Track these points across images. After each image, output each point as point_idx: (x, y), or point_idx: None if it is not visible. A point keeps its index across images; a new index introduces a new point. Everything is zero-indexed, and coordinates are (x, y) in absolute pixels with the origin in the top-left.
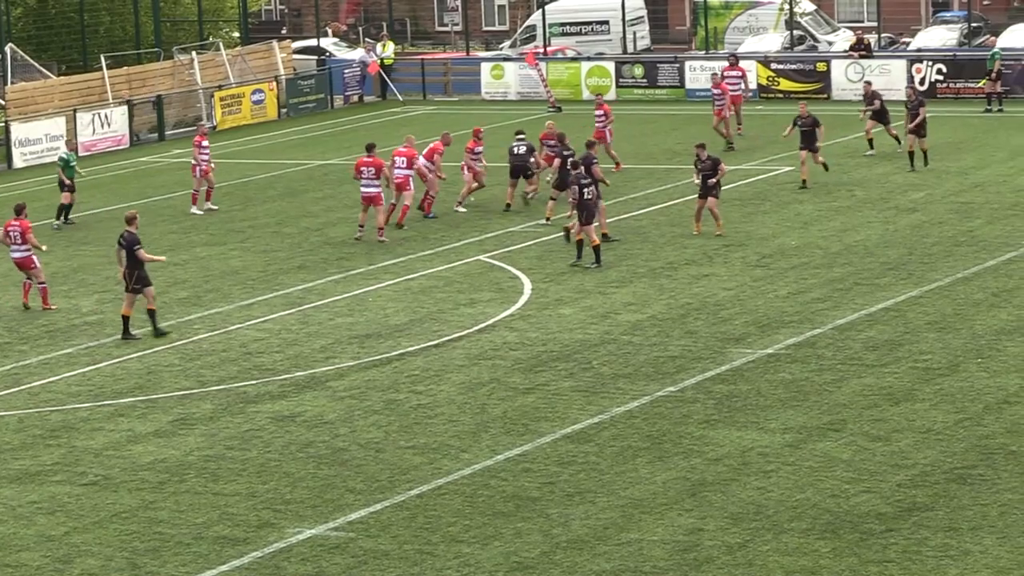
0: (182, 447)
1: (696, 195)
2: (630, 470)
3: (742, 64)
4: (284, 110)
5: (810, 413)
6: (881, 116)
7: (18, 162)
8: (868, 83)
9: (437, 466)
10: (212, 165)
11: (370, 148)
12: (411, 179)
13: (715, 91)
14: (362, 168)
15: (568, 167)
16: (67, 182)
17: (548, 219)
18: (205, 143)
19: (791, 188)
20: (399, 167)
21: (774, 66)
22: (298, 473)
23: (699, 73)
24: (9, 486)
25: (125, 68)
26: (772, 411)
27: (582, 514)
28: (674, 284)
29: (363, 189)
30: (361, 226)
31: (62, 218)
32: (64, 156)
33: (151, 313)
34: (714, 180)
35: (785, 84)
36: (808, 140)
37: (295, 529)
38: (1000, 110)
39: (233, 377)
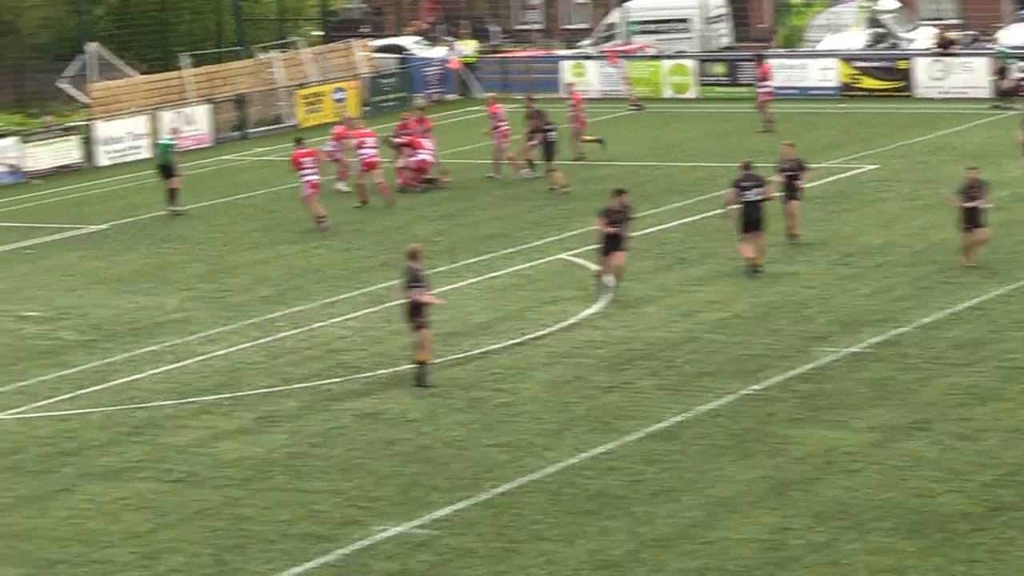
0: (267, 444)
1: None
2: (715, 469)
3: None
4: (366, 108)
5: (895, 412)
6: None
7: (102, 160)
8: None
9: (521, 464)
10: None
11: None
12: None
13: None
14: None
15: (549, 139)
16: (171, 167)
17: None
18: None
19: (874, 186)
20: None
21: (856, 64)
22: (383, 470)
23: (780, 71)
24: (96, 483)
25: (207, 67)
26: (857, 410)
27: (667, 512)
28: (757, 282)
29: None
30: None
31: (171, 203)
32: (164, 141)
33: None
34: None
35: (867, 82)
36: (791, 188)
37: (380, 526)
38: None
39: (317, 375)
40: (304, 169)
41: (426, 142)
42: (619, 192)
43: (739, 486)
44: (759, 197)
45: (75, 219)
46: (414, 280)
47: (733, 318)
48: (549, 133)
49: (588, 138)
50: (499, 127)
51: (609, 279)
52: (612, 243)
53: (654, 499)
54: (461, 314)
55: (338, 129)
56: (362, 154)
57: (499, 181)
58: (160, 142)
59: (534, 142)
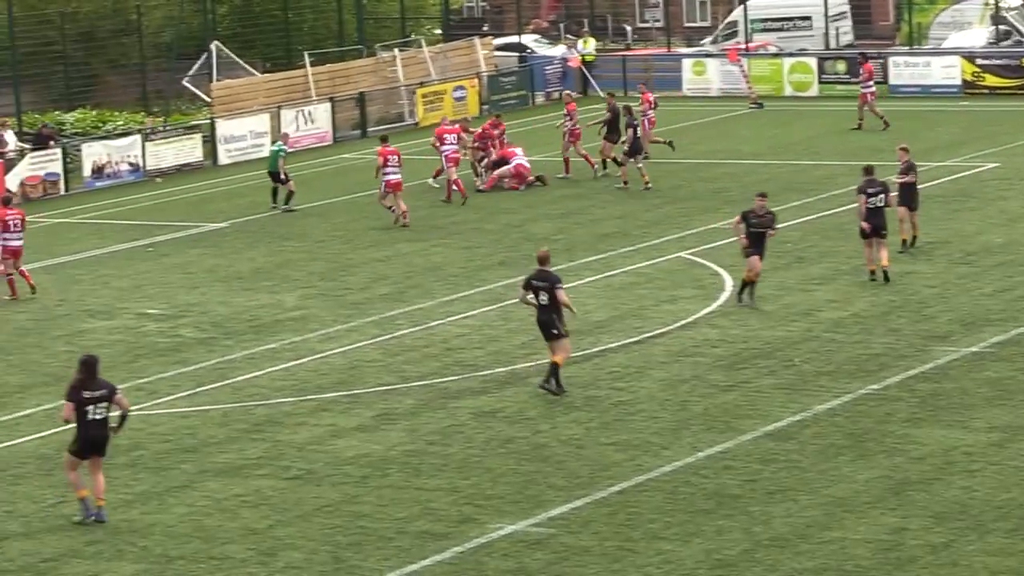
0: (384, 442)
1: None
2: (832, 468)
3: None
4: (485, 107)
5: (1016, 412)
6: None
7: (223, 159)
8: None
9: (638, 463)
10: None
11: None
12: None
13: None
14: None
15: (637, 135)
16: (281, 174)
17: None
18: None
19: (995, 184)
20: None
21: (979, 61)
22: (499, 469)
23: (903, 69)
24: (215, 479)
25: (328, 65)
26: (977, 410)
27: (784, 512)
28: (877, 282)
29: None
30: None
31: (285, 203)
32: (275, 148)
33: (552, 366)
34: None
35: (990, 80)
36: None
37: (496, 524)
38: None
39: (434, 373)
40: (387, 167)
41: (515, 148)
42: (761, 195)
43: (856, 486)
44: (882, 203)
45: (196, 217)
46: (557, 283)
47: (852, 317)
48: (636, 129)
49: (657, 139)
50: (572, 127)
51: (747, 299)
52: (753, 247)
53: (770, 498)
54: (579, 312)
55: (479, 133)
56: (443, 151)
57: (569, 179)
58: (271, 148)
59: (620, 139)
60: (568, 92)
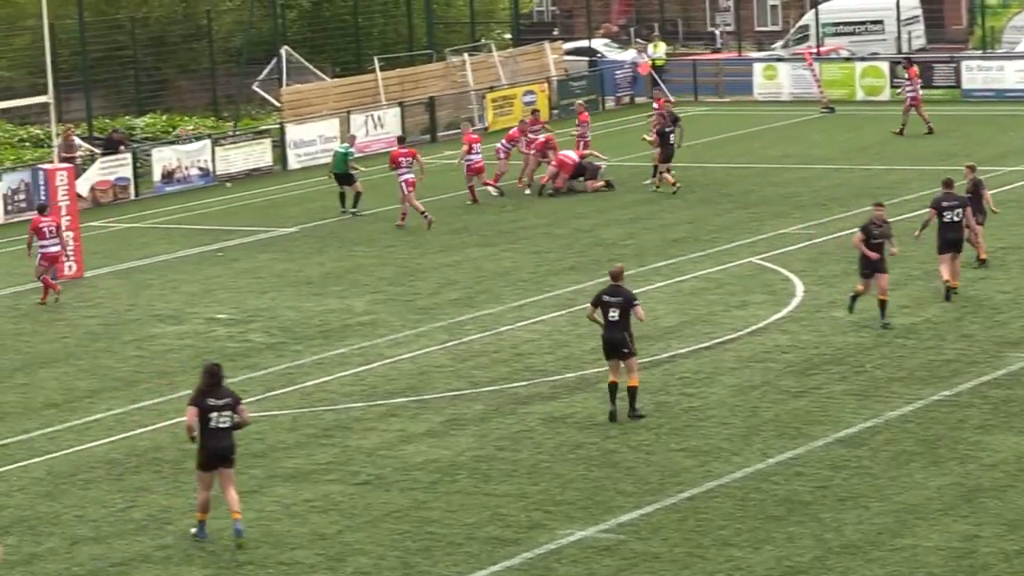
0: (453, 447)
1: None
2: (904, 475)
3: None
4: (555, 111)
5: None
6: None
7: (293, 164)
8: None
9: (708, 469)
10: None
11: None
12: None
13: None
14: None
15: (671, 142)
16: (348, 176)
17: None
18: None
19: None
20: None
21: None
22: (569, 475)
23: (976, 73)
24: (283, 484)
25: (398, 70)
26: None
27: (855, 519)
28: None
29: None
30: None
31: (353, 205)
32: (341, 149)
33: (631, 392)
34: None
35: None
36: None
37: (566, 530)
38: None
39: (504, 378)
40: (401, 168)
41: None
42: (878, 205)
43: (928, 493)
44: (959, 218)
45: (266, 222)
46: (632, 300)
47: (924, 323)
48: (669, 136)
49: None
50: (582, 136)
51: (882, 320)
52: (874, 263)
53: (842, 505)
54: (649, 317)
55: (513, 132)
56: (469, 159)
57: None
58: (337, 150)
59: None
60: (581, 103)
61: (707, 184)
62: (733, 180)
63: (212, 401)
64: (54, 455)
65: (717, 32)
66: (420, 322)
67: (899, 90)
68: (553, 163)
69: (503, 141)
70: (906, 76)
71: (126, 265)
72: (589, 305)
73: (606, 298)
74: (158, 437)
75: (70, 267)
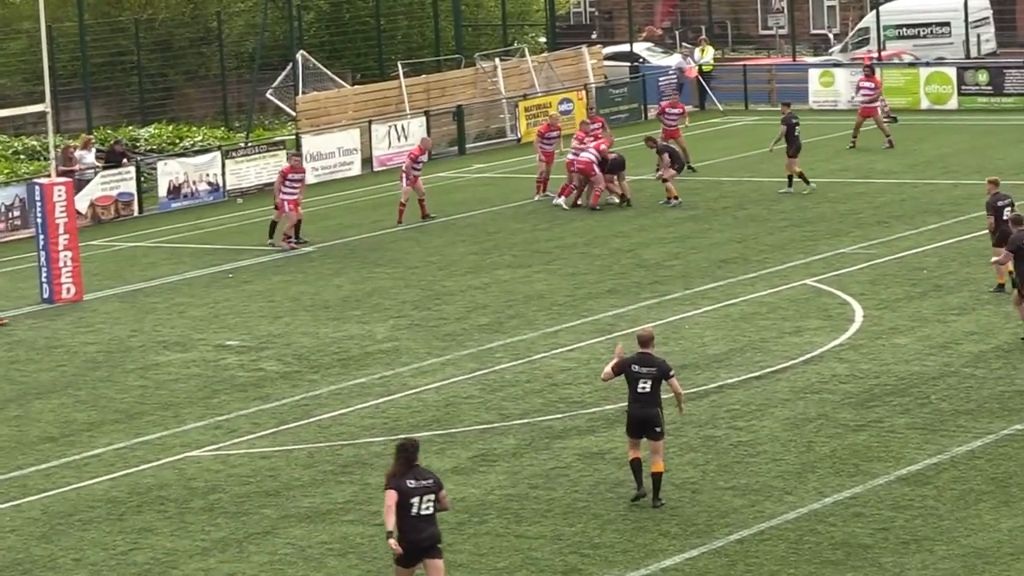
0: (483, 485)
1: None
2: (972, 516)
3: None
4: None
5: None
6: None
7: (310, 178)
8: None
9: (759, 509)
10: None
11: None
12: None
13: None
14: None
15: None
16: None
17: None
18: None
19: None
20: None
21: None
22: (608, 515)
23: None
24: (299, 525)
25: (423, 76)
26: None
27: (919, 563)
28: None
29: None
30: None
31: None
32: None
33: (655, 479)
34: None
35: None
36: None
37: (604, 575)
38: None
39: (537, 410)
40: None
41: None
42: (1018, 220)
43: (999, 535)
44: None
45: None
46: (668, 372)
47: (994, 351)
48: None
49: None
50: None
51: None
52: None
53: (904, 549)
54: (695, 345)
55: (579, 134)
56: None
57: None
58: None
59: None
60: (591, 108)
61: (758, 200)
62: (786, 195)
63: (413, 483)
64: (50, 493)
65: (778, 34)
66: (446, 349)
67: (853, 98)
68: (574, 171)
69: (572, 148)
70: (869, 83)
71: (129, 287)
72: (608, 369)
73: (635, 368)
74: (162, 474)
75: (68, 290)
